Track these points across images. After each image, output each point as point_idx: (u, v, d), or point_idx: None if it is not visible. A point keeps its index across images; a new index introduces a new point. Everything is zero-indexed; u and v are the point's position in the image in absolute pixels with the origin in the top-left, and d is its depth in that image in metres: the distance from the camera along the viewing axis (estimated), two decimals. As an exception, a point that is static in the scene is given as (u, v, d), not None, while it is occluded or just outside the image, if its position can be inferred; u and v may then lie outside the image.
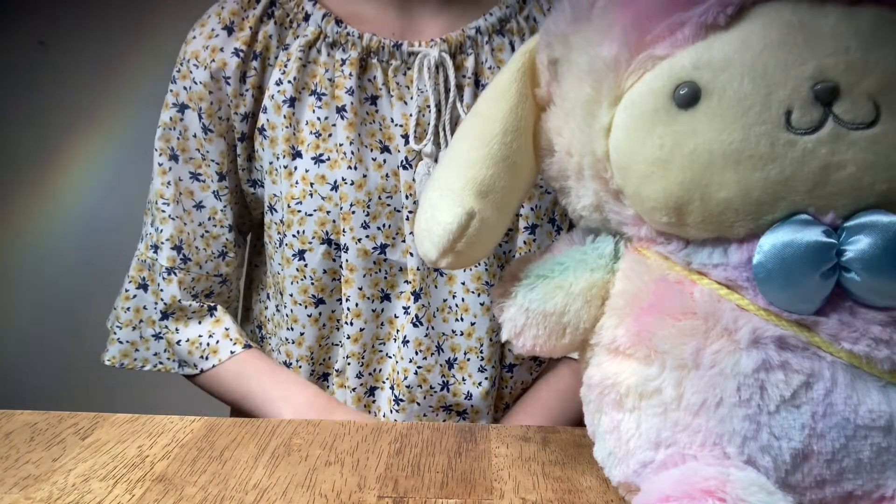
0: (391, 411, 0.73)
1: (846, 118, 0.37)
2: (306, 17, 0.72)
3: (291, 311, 0.74)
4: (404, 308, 0.72)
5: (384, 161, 0.71)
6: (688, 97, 0.39)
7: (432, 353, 0.72)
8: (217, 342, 0.75)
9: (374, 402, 0.74)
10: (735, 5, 0.38)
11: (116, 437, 0.54)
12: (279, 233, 0.74)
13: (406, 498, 0.46)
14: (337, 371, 0.75)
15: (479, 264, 0.71)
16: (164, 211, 0.75)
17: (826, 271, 0.38)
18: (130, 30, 1.70)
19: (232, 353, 0.75)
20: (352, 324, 0.72)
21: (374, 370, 0.74)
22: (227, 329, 0.76)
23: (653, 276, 0.43)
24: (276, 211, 0.74)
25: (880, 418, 0.38)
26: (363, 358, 0.73)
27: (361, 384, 0.74)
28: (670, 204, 0.40)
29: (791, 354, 0.39)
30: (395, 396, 0.73)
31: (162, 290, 0.76)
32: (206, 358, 0.75)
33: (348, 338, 0.72)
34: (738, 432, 0.39)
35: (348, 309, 0.72)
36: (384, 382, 0.74)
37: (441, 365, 0.73)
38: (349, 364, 0.73)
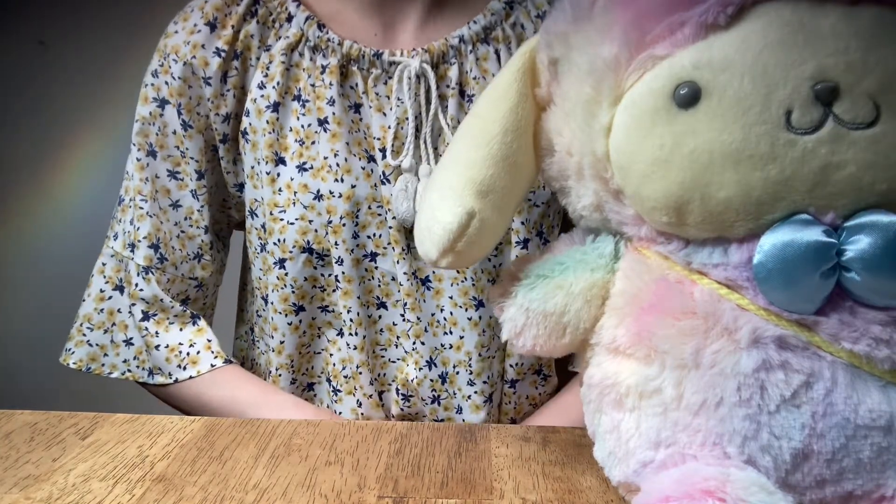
0: (401, 410, 0.73)
1: (846, 118, 0.37)
2: (289, 18, 0.71)
3: (272, 318, 0.73)
4: (401, 315, 0.72)
5: (371, 171, 0.70)
6: (688, 97, 0.39)
7: (421, 368, 0.72)
8: (198, 353, 0.73)
9: (383, 404, 0.74)
10: (735, 5, 0.38)
11: (116, 437, 0.54)
12: (260, 238, 0.73)
13: (406, 498, 0.46)
14: (346, 377, 0.74)
15: (467, 279, 0.71)
16: (141, 208, 0.73)
17: (826, 271, 0.38)
18: (130, 30, 1.70)
19: (212, 366, 0.72)
20: (355, 333, 0.71)
21: (380, 374, 0.74)
22: (209, 341, 0.73)
23: (653, 275, 0.43)
24: (256, 216, 0.73)
25: (880, 418, 0.38)
26: (369, 365, 0.73)
27: (375, 391, 0.73)
28: (670, 204, 0.40)
29: (791, 354, 0.39)
30: (403, 395, 0.73)
31: (142, 290, 0.73)
32: (184, 368, 0.72)
33: (354, 348, 0.71)
34: (739, 432, 0.39)
35: (350, 320, 0.71)
36: (391, 384, 0.74)
37: (432, 380, 0.72)
38: (360, 373, 0.72)
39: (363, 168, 0.69)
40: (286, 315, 0.72)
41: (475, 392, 0.73)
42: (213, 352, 0.73)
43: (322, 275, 0.71)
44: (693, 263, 0.42)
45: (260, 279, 0.76)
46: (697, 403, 0.40)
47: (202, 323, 0.75)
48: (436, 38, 0.72)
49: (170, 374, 0.72)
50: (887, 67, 0.37)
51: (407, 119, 0.69)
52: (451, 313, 0.71)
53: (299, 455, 0.52)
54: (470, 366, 0.72)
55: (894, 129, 0.37)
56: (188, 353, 0.73)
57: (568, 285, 0.45)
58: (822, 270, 0.38)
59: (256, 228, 0.73)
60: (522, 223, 0.71)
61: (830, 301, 0.39)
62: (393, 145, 0.69)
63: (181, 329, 0.73)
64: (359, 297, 0.71)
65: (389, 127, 0.70)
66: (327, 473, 0.49)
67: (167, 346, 0.73)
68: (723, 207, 0.39)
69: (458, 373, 0.72)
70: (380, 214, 0.70)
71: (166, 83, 0.71)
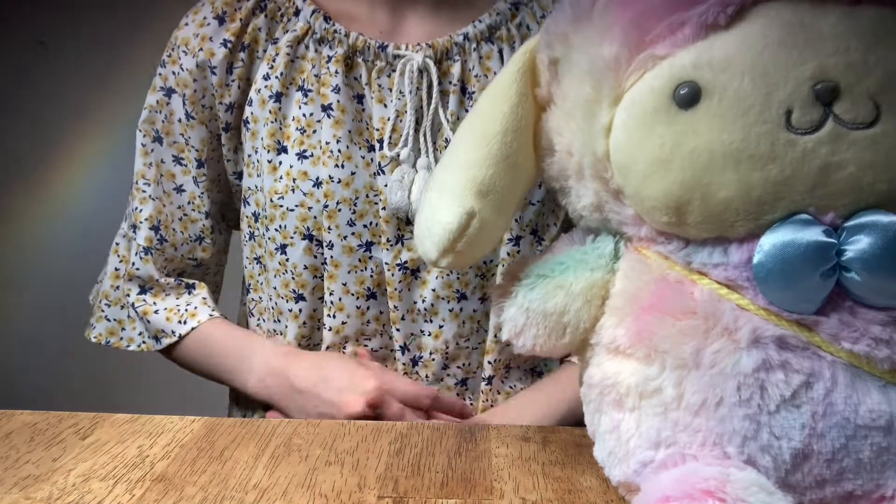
0: None
1: (846, 118, 0.37)
2: (296, 12, 0.73)
3: (276, 304, 0.75)
4: (385, 304, 0.73)
5: (372, 160, 0.71)
6: (688, 97, 0.39)
7: (392, 351, 0.74)
8: (195, 308, 0.76)
9: None
10: (735, 5, 0.38)
11: (116, 437, 0.54)
12: (250, 227, 0.76)
13: (406, 498, 0.46)
14: None
15: (451, 273, 0.72)
16: (144, 191, 0.76)
17: (826, 271, 0.38)
18: (130, 30, 1.70)
19: (211, 315, 0.76)
20: (334, 317, 0.73)
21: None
22: (204, 298, 0.77)
23: (653, 275, 0.43)
24: (248, 204, 0.75)
25: (880, 418, 0.38)
26: (343, 350, 0.74)
27: None
28: (670, 204, 0.40)
29: (791, 354, 0.39)
30: None
31: (138, 269, 0.76)
32: (184, 322, 0.75)
33: (330, 329, 0.73)
34: (738, 432, 0.39)
35: (331, 303, 0.72)
36: None
37: (403, 363, 0.74)
38: None
39: (363, 157, 0.71)
40: (287, 301, 0.74)
41: (447, 374, 0.75)
42: (209, 306, 0.77)
43: (324, 262, 0.72)
44: (693, 263, 0.42)
45: (245, 267, 0.79)
46: (697, 403, 0.40)
47: (198, 289, 0.78)
48: (441, 35, 0.73)
49: (172, 332, 0.75)
50: (887, 67, 0.37)
51: (406, 112, 0.71)
52: (433, 304, 0.73)
53: (299, 455, 0.52)
54: (447, 353, 0.74)
55: (894, 129, 0.37)
56: (186, 310, 0.76)
57: (568, 285, 0.45)
58: (821, 270, 0.38)
59: (248, 217, 0.76)
60: (516, 221, 0.72)
61: (830, 301, 0.39)
62: (391, 137, 0.71)
63: (177, 298, 0.77)
64: (344, 284, 0.72)
65: (389, 118, 0.71)
66: (327, 473, 0.49)
67: (166, 309, 0.76)
68: (723, 207, 0.39)
69: (433, 359, 0.74)
70: (377, 203, 0.71)
71: (174, 73, 0.74)
